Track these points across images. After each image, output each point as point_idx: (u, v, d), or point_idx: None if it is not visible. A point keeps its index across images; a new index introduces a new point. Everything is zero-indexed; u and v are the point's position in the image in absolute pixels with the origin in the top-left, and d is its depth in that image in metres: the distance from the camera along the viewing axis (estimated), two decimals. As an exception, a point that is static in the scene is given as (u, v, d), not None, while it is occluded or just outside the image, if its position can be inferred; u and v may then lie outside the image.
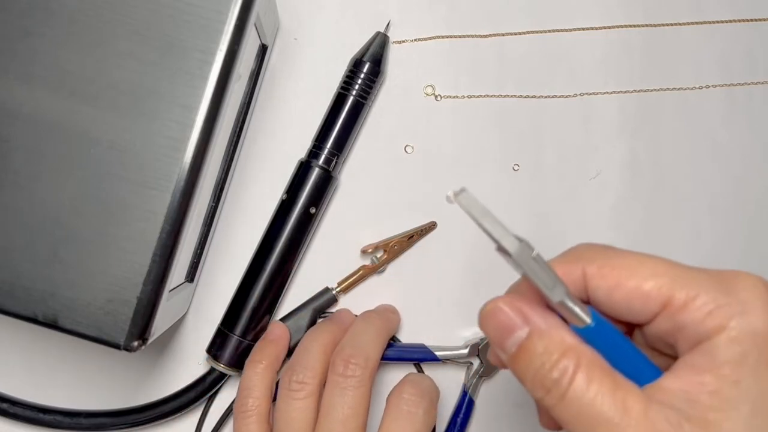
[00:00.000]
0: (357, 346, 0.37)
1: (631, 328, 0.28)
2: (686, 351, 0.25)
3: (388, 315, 0.41)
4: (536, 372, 0.25)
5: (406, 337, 0.43)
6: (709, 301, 0.24)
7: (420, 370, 0.43)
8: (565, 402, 0.24)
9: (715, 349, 0.24)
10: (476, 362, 0.42)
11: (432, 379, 0.39)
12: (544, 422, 0.31)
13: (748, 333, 0.24)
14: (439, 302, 0.43)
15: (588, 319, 0.25)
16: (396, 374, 0.42)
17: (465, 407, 0.42)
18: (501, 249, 0.24)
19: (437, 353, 0.42)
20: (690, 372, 0.24)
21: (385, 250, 0.43)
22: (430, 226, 0.43)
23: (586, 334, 0.25)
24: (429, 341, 0.42)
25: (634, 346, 0.27)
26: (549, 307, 0.26)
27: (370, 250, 0.42)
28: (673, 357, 0.26)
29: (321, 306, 0.42)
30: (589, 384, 0.24)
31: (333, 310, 0.43)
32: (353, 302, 0.43)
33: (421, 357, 0.42)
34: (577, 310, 0.25)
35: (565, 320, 0.26)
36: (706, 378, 0.24)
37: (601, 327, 0.26)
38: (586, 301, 0.27)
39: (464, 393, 0.42)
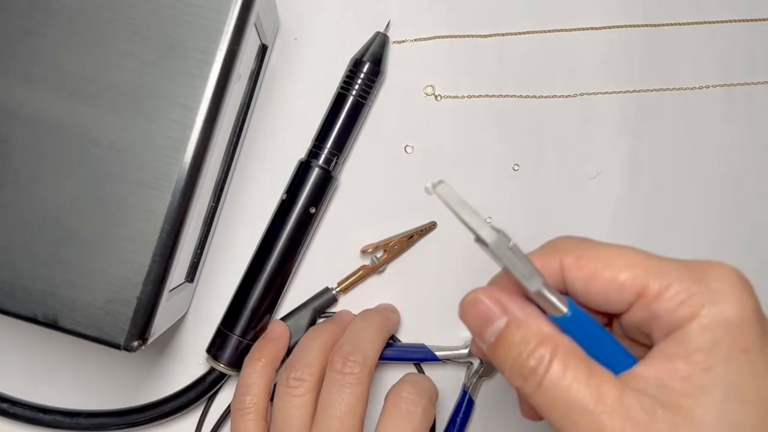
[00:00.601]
0: (356, 344, 0.37)
1: (609, 318, 0.29)
2: (660, 339, 0.25)
3: (387, 314, 0.41)
4: (514, 361, 0.26)
5: (406, 337, 0.43)
6: (681, 290, 0.25)
7: (420, 370, 0.43)
8: (541, 390, 0.25)
9: (688, 337, 0.24)
10: (476, 362, 0.42)
11: (430, 379, 0.39)
12: (524, 412, 0.31)
13: (719, 321, 0.24)
14: (439, 302, 0.43)
15: (564, 309, 0.26)
16: (396, 374, 0.42)
17: (465, 407, 0.42)
18: (479, 240, 0.25)
19: (437, 353, 0.42)
20: (663, 359, 0.25)
21: (385, 250, 0.43)
22: (430, 226, 0.43)
23: (563, 324, 0.26)
24: (429, 341, 0.42)
25: (610, 335, 0.27)
26: (527, 297, 0.27)
27: (370, 250, 0.42)
28: (649, 346, 0.26)
29: (321, 306, 0.42)
30: (565, 371, 0.25)
31: (333, 310, 0.43)
32: (353, 302, 0.43)
33: (421, 357, 0.42)
34: (553, 299, 0.26)
35: (543, 310, 0.26)
36: (678, 365, 0.24)
37: (578, 316, 0.26)
38: (564, 292, 0.27)
39: (464, 393, 0.42)
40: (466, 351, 0.42)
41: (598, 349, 0.26)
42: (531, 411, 0.31)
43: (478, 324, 0.27)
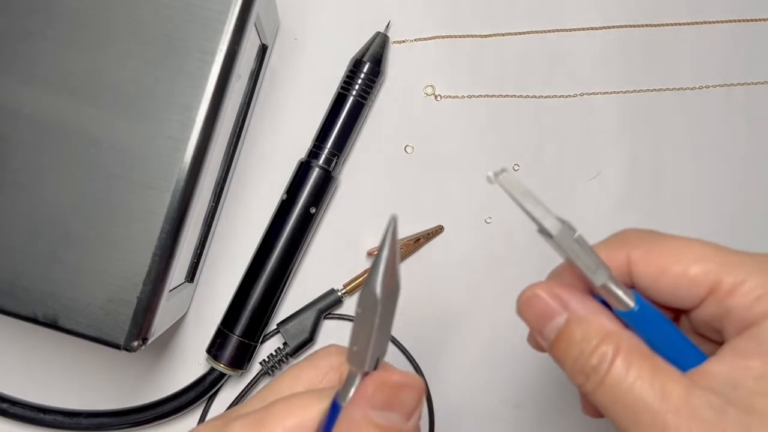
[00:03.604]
0: None
1: (677, 314, 0.28)
2: (733, 336, 0.24)
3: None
4: (576, 359, 0.25)
5: (412, 342, 0.43)
6: (757, 286, 0.24)
7: (417, 369, 0.43)
8: (603, 388, 0.24)
9: (763, 334, 0.23)
10: None
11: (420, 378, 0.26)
12: (586, 410, 0.30)
13: None
14: (445, 305, 0.43)
15: (631, 303, 0.25)
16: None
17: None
18: (542, 230, 0.24)
19: None
20: (736, 357, 0.24)
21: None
22: (438, 230, 0.43)
23: (629, 318, 0.25)
24: (435, 345, 0.42)
25: (678, 330, 0.26)
26: (590, 292, 0.26)
27: (376, 253, 0.42)
28: (720, 343, 0.25)
29: (326, 307, 0.42)
30: (628, 369, 0.24)
31: (338, 311, 0.43)
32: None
33: None
34: (620, 293, 0.25)
35: (607, 305, 0.26)
36: (752, 363, 0.23)
37: (645, 311, 0.25)
38: (631, 287, 0.26)
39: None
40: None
41: (665, 345, 0.25)
42: (592, 408, 0.30)
43: (537, 321, 0.26)
